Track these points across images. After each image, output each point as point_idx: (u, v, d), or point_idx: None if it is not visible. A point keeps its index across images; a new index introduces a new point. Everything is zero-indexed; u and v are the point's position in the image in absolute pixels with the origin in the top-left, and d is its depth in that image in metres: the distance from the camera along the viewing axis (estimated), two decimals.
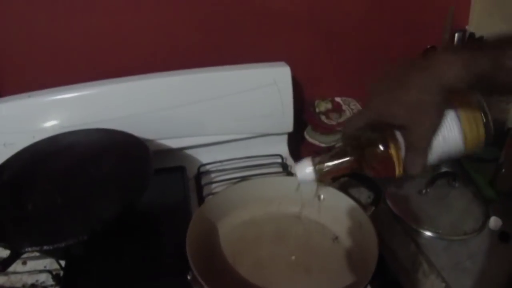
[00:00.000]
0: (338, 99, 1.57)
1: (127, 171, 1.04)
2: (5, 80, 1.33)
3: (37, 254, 1.03)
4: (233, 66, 1.36)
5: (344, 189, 1.13)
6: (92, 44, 1.35)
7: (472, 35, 1.57)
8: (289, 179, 1.19)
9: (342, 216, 1.03)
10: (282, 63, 1.39)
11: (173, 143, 1.37)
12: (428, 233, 1.11)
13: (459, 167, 1.35)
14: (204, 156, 1.42)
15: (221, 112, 1.35)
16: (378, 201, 1.10)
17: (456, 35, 1.55)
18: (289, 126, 1.43)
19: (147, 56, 1.39)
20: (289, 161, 1.42)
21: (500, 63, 0.64)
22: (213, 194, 1.23)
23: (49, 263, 1.06)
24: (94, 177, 1.04)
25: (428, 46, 1.58)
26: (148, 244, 1.06)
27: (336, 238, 1.04)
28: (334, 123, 1.46)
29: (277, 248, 1.04)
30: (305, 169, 0.83)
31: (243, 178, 1.27)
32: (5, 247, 0.86)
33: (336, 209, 1.04)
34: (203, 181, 1.31)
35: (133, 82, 1.29)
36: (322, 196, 1.07)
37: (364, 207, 1.01)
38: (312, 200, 1.06)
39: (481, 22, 1.64)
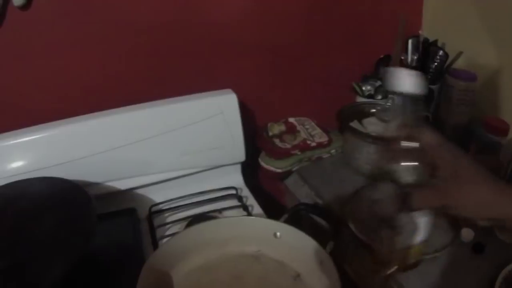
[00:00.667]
0: (291, 120, 1.54)
1: (70, 228, 0.99)
2: None
3: None
4: (177, 99, 1.31)
5: (300, 223, 1.08)
6: (26, 88, 1.27)
7: (426, 40, 1.56)
8: (243, 219, 1.15)
9: (301, 253, 0.99)
10: (228, 90, 1.35)
11: (122, 185, 1.31)
12: None
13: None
14: (155, 195, 1.36)
15: (168, 148, 1.30)
16: (336, 234, 1.06)
17: (410, 41, 1.53)
18: (241, 155, 1.39)
19: (85, 96, 1.32)
20: (244, 191, 1.39)
21: None
22: (166, 236, 1.18)
23: None
24: (36, 237, 0.97)
25: (382, 56, 1.57)
26: None
27: (298, 276, 1.00)
28: (288, 146, 1.41)
29: None
30: None
31: (197, 216, 1.24)
32: None
33: (294, 246, 1.00)
34: (156, 222, 1.26)
35: (74, 124, 1.23)
36: (278, 234, 1.03)
37: (322, 242, 0.96)
38: (269, 238, 1.03)
39: (434, 27, 1.63)
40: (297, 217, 1.11)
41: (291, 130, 1.49)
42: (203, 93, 1.33)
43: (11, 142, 1.18)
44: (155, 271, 0.97)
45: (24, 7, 1.17)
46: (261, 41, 1.45)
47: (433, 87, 1.50)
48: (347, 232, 1.12)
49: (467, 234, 1.11)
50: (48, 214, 1.02)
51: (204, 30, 1.36)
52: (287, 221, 1.06)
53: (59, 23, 1.22)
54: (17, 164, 1.19)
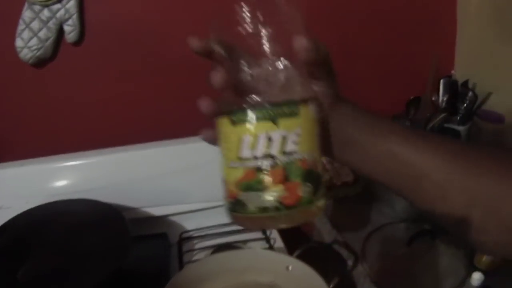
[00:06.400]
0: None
1: (106, 246, 1.10)
2: (5, 148, 1.45)
3: None
4: None
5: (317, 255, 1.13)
6: (79, 117, 1.45)
7: (455, 81, 1.56)
8: (259, 251, 1.22)
9: (308, 286, 1.03)
10: None
11: (156, 211, 1.40)
12: None
13: None
14: (186, 223, 1.44)
15: (201, 180, 1.35)
16: (342, 273, 1.11)
17: (442, 81, 1.54)
18: None
19: (130, 128, 1.48)
20: None
21: None
22: (192, 261, 1.25)
23: None
24: (77, 249, 1.10)
25: (412, 97, 1.57)
26: None
27: None
28: None
29: None
30: None
31: (223, 245, 1.31)
32: None
33: (303, 280, 1.04)
34: (185, 248, 1.33)
35: (117, 153, 1.36)
36: (290, 267, 1.07)
37: (328, 279, 1.01)
38: (282, 271, 1.07)
39: (467, 67, 1.64)
40: (314, 251, 1.17)
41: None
42: None
43: (58, 165, 1.33)
44: None
45: (76, 43, 1.30)
46: None
47: (461, 128, 1.50)
48: (359, 271, 1.17)
49: (477, 277, 1.10)
50: (88, 231, 1.15)
51: None
52: (299, 256, 1.12)
53: (108, 59, 1.37)
54: (65, 184, 1.33)
